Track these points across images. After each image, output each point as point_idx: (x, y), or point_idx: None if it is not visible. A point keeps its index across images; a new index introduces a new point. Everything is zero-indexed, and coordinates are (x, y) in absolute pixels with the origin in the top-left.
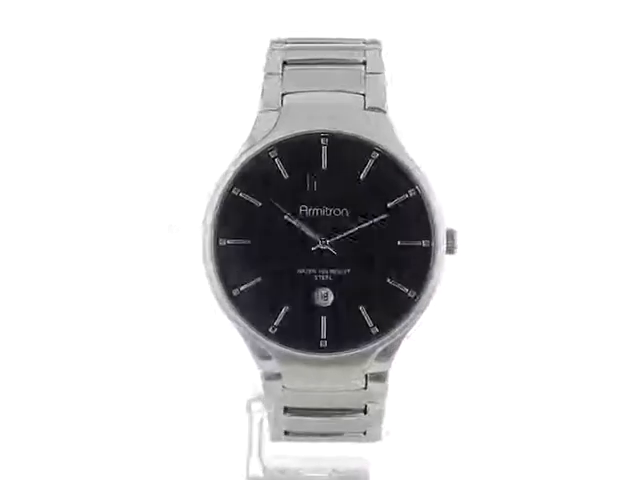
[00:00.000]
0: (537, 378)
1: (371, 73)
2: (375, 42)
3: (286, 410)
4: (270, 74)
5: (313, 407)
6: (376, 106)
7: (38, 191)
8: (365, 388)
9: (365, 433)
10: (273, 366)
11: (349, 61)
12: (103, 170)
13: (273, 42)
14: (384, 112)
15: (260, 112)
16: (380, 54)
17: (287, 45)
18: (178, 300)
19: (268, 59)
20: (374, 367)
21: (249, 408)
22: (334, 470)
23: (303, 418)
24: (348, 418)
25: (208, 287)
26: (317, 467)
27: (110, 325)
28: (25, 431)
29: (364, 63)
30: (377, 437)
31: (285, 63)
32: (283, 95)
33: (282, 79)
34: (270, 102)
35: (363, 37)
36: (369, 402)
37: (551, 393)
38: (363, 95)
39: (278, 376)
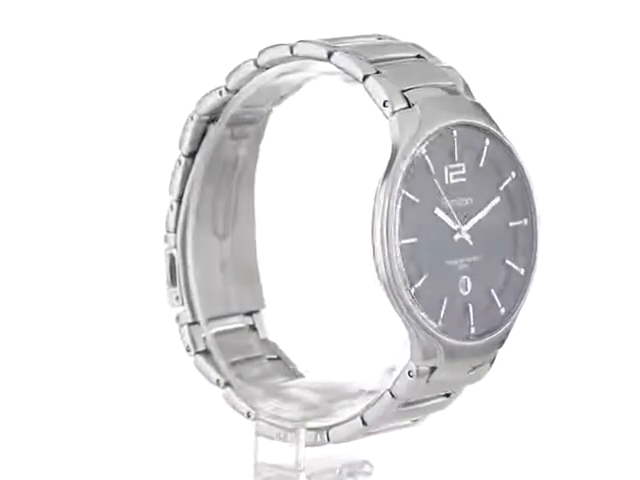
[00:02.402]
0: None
1: (441, 67)
2: (394, 39)
3: (402, 405)
4: (375, 74)
5: (426, 397)
6: (469, 94)
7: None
8: (473, 370)
9: (417, 420)
10: (433, 360)
11: (409, 57)
12: None
13: (324, 45)
14: (475, 99)
15: (395, 111)
16: (423, 48)
17: (344, 45)
18: None
19: (354, 61)
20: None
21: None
22: (339, 470)
23: (403, 410)
24: (426, 404)
25: (385, 290)
26: (326, 468)
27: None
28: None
29: (420, 57)
30: (420, 422)
31: (370, 62)
32: (403, 92)
33: (389, 78)
34: (397, 102)
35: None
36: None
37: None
38: (453, 86)
39: (428, 371)
